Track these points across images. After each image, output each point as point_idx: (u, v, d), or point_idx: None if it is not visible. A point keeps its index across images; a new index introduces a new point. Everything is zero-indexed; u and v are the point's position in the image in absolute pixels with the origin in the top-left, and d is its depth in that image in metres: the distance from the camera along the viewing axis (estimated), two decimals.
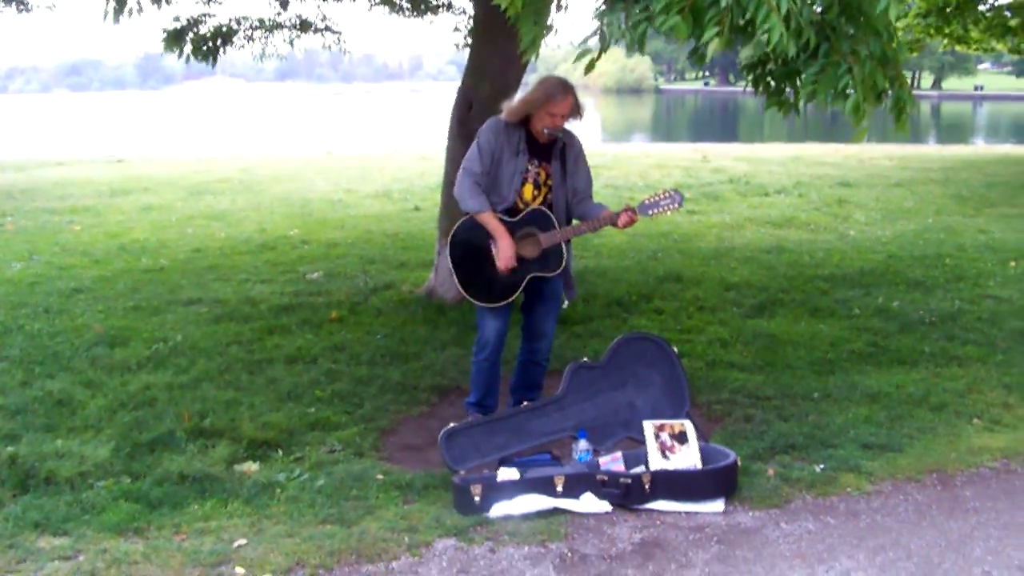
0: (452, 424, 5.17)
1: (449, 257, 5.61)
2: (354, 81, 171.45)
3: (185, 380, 6.68)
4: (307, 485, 5.07)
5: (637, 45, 4.39)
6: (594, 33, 4.56)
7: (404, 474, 5.23)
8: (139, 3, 7.07)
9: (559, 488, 4.79)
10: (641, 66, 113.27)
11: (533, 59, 5.39)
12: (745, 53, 4.24)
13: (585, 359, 5.54)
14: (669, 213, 5.58)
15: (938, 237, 12.06)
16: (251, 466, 5.37)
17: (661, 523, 4.72)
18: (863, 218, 13.62)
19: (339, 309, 8.51)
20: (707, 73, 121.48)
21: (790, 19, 4.04)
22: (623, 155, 23.15)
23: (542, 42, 4.79)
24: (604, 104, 70.27)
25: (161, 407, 6.17)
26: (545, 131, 5.49)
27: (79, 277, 9.89)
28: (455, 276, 5.60)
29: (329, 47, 10.85)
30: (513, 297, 5.61)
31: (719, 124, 59.45)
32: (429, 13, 11.12)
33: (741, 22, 4.15)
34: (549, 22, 4.99)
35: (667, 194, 5.58)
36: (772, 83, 5.30)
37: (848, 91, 4.43)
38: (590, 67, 4.71)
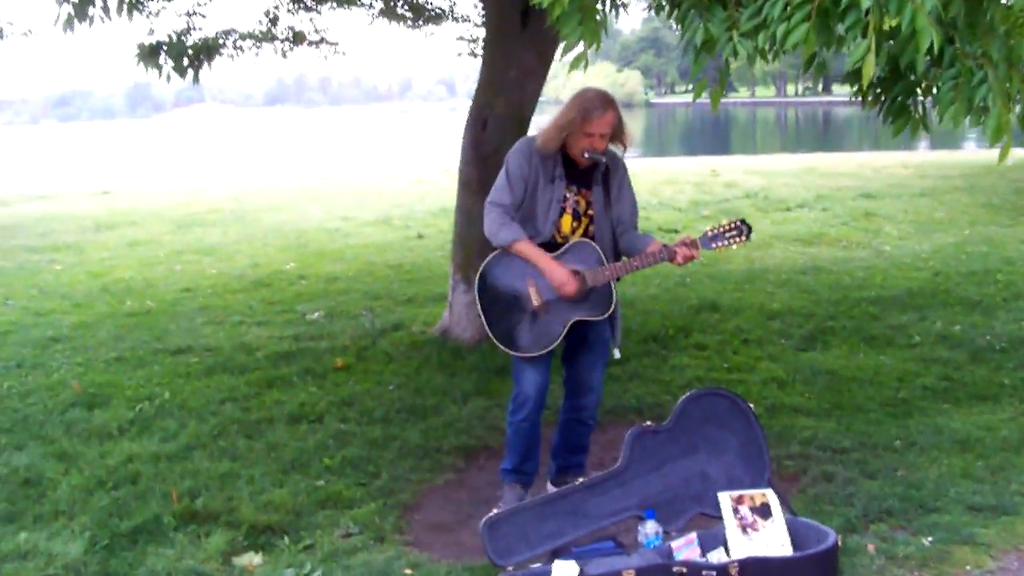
0: (495, 510, 4.28)
1: (478, 302, 4.77)
2: (343, 104, 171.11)
3: (173, 449, 5.80)
4: None
5: (756, 57, 3.54)
6: (691, 42, 3.66)
7: (436, 566, 4.36)
8: (104, 12, 6.22)
9: None
10: (631, 80, 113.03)
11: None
12: (854, 59, 3.35)
13: (648, 422, 4.64)
14: (735, 247, 4.72)
15: (980, 251, 11.24)
16: (253, 559, 4.49)
17: None
18: (895, 232, 12.81)
19: (344, 355, 7.65)
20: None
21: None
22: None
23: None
24: None
25: (146, 484, 5.28)
26: (585, 155, 4.66)
27: (57, 324, 9.02)
28: (485, 323, 4.76)
29: (326, 57, 10.05)
30: (555, 344, 4.74)
31: (711, 137, 58.72)
32: (431, 23, 10.31)
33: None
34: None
35: (733, 225, 4.72)
36: (882, 96, 4.41)
37: (984, 103, 3.55)
38: (715, 101, 3.87)
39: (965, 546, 4.40)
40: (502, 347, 4.73)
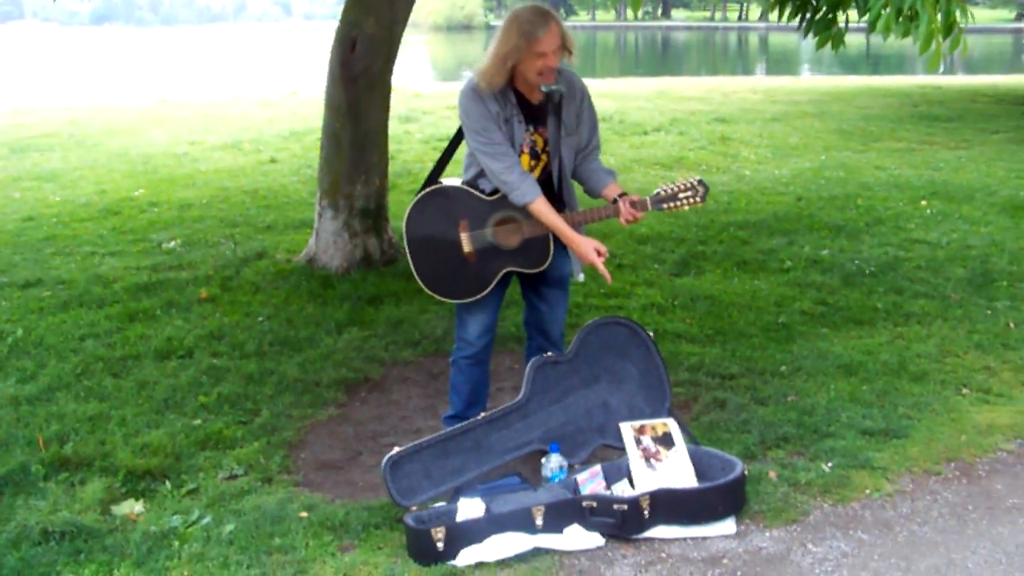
0: (396, 449, 4.08)
1: (406, 245, 4.42)
2: (177, 24, 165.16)
3: (34, 390, 5.40)
4: (213, 533, 3.95)
5: None
6: None
7: (332, 507, 4.16)
8: None
9: (539, 522, 3.82)
10: (471, 2, 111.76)
11: None
12: None
13: (549, 353, 4.51)
14: (687, 208, 4.42)
15: (838, 175, 11.42)
16: (134, 507, 4.20)
17: (667, 556, 3.81)
18: (753, 156, 12.92)
19: (208, 286, 7.29)
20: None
21: None
22: None
23: None
24: (434, 42, 68.41)
25: (6, 430, 4.90)
26: (542, 88, 4.27)
27: None
28: (412, 267, 4.43)
29: None
30: (484, 292, 4.42)
31: None
32: None
33: None
34: None
35: (688, 185, 4.39)
36: (801, 10, 4.27)
37: (912, 10, 3.44)
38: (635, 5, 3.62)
39: (863, 471, 4.45)
40: (429, 292, 4.44)
